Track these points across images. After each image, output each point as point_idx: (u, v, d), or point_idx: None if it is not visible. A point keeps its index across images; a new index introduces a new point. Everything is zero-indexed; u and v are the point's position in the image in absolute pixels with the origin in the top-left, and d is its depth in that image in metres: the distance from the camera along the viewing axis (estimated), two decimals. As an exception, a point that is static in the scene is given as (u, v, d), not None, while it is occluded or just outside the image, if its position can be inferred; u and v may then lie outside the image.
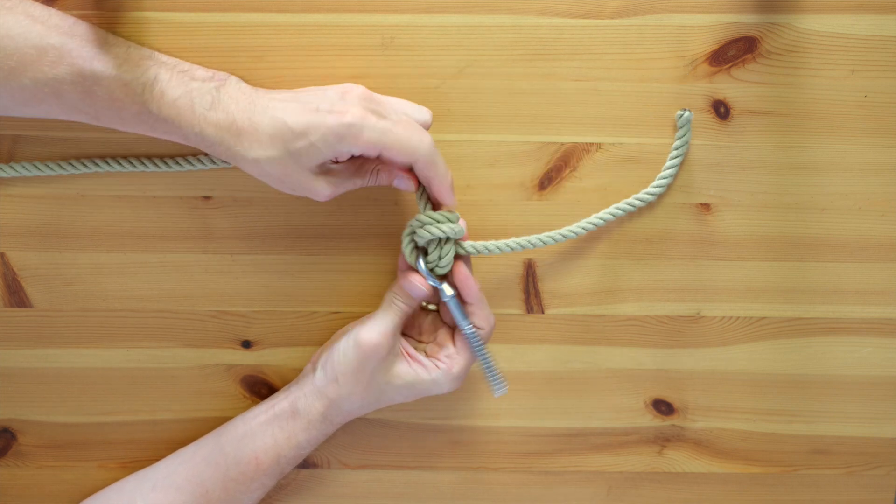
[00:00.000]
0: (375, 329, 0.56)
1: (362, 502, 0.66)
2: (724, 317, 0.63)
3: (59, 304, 0.62)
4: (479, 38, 0.58)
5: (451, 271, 0.57)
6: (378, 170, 0.55)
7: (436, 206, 0.56)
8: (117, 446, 0.64)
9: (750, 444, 0.65)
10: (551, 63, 0.59)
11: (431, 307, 0.61)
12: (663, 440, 0.65)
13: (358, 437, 0.65)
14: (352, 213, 0.61)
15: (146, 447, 0.64)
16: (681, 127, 0.59)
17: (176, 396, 0.64)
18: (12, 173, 0.59)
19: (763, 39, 0.59)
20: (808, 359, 0.64)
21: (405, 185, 0.55)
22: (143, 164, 0.59)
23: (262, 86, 0.56)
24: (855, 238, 0.62)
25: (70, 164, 0.59)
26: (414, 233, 0.56)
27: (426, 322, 0.60)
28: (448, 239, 0.55)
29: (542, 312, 0.63)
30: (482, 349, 0.57)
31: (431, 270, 0.56)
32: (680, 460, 0.66)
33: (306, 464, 0.65)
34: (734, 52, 0.59)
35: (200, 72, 0.54)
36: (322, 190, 0.53)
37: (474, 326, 0.57)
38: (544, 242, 0.59)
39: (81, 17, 0.54)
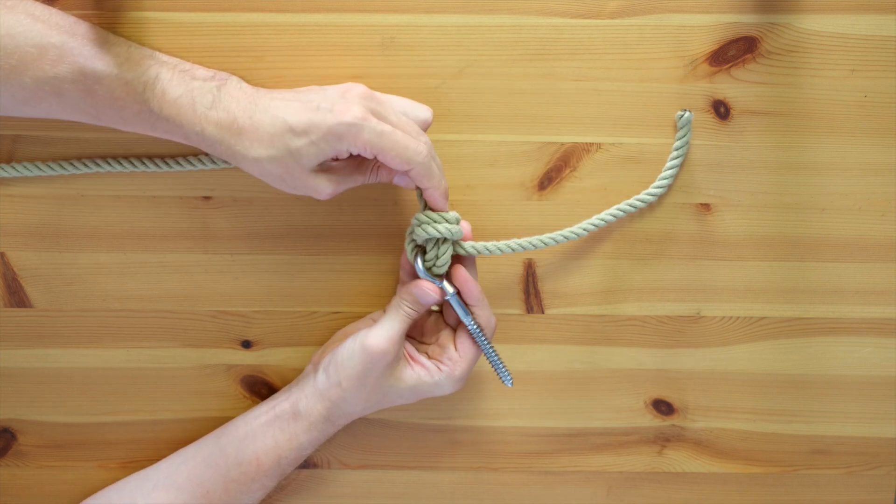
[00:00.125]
0: (383, 335, 0.55)
1: (362, 502, 0.66)
2: (724, 317, 0.63)
3: (59, 304, 0.62)
4: (479, 38, 0.58)
5: (452, 271, 0.57)
6: (378, 167, 0.55)
7: None
8: (117, 446, 0.64)
9: (750, 444, 0.65)
10: (551, 63, 0.59)
11: (434, 308, 0.61)
12: (663, 440, 0.65)
13: (358, 437, 0.65)
14: (352, 213, 0.61)
15: (146, 447, 0.64)
16: (681, 127, 0.59)
17: (176, 396, 0.64)
18: (12, 173, 0.59)
19: (763, 39, 0.59)
20: (808, 359, 0.64)
21: (405, 182, 0.56)
22: (144, 164, 0.59)
23: (263, 86, 0.56)
24: (855, 238, 0.62)
25: (71, 163, 0.59)
26: (413, 231, 0.56)
27: (428, 323, 0.60)
28: (445, 239, 0.56)
29: (542, 312, 0.63)
30: (487, 344, 0.57)
31: (430, 269, 0.56)
32: (680, 460, 0.66)
33: (306, 464, 0.65)
34: (734, 52, 0.59)
35: (201, 71, 0.54)
36: (323, 188, 0.53)
37: (479, 326, 0.57)
38: (545, 243, 0.59)
39: (82, 17, 0.54)
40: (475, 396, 0.64)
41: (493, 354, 0.58)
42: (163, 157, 0.59)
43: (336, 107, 0.51)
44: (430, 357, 0.58)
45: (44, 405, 0.63)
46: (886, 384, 0.64)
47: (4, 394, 0.63)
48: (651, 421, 0.65)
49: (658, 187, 0.60)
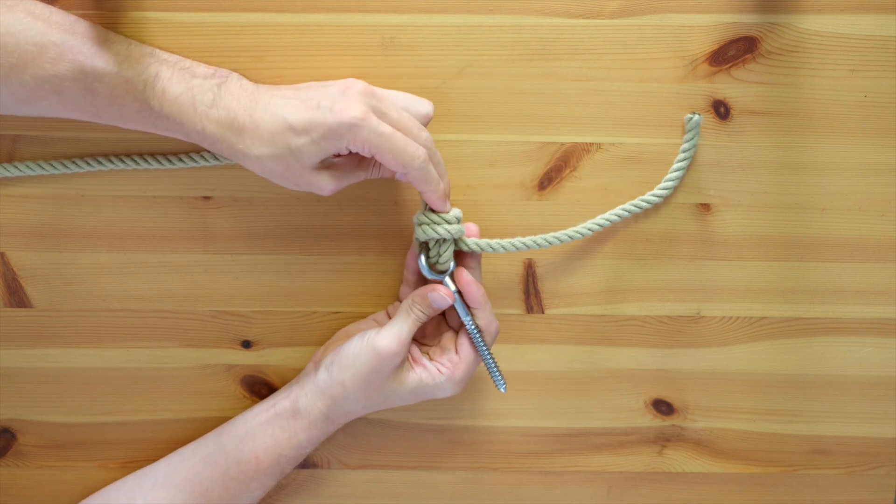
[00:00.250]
0: (394, 337, 0.55)
1: (362, 502, 0.66)
2: (724, 317, 0.63)
3: (59, 304, 0.62)
4: (479, 38, 0.58)
5: (455, 273, 0.57)
6: (379, 163, 0.55)
7: None
8: (117, 446, 0.64)
9: (750, 444, 0.65)
10: (551, 63, 0.59)
11: None
12: (663, 440, 0.65)
13: (358, 437, 0.65)
14: (352, 213, 0.61)
15: (146, 447, 0.64)
16: (689, 130, 0.59)
17: (176, 396, 0.64)
18: (13, 173, 0.59)
19: (763, 39, 0.59)
20: (808, 359, 0.64)
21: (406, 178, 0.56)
22: (146, 161, 0.59)
23: (263, 86, 0.56)
24: (855, 238, 0.62)
25: (74, 162, 0.59)
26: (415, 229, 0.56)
27: (430, 325, 0.60)
28: (445, 240, 0.56)
29: (542, 312, 0.63)
30: (484, 347, 0.57)
31: (433, 266, 0.56)
32: (680, 460, 0.66)
33: (306, 464, 0.65)
34: (734, 52, 0.59)
35: (202, 69, 0.54)
36: (325, 184, 0.53)
37: (478, 328, 0.57)
38: (549, 243, 0.59)
39: (82, 16, 0.54)
40: (475, 396, 0.64)
41: (489, 358, 0.58)
42: (164, 154, 0.59)
43: (336, 105, 0.51)
44: (431, 359, 0.58)
45: (44, 405, 0.63)
46: (886, 384, 0.64)
47: (4, 394, 0.63)
48: (651, 421, 0.65)
49: (664, 189, 0.60)
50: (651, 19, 0.58)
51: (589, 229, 0.60)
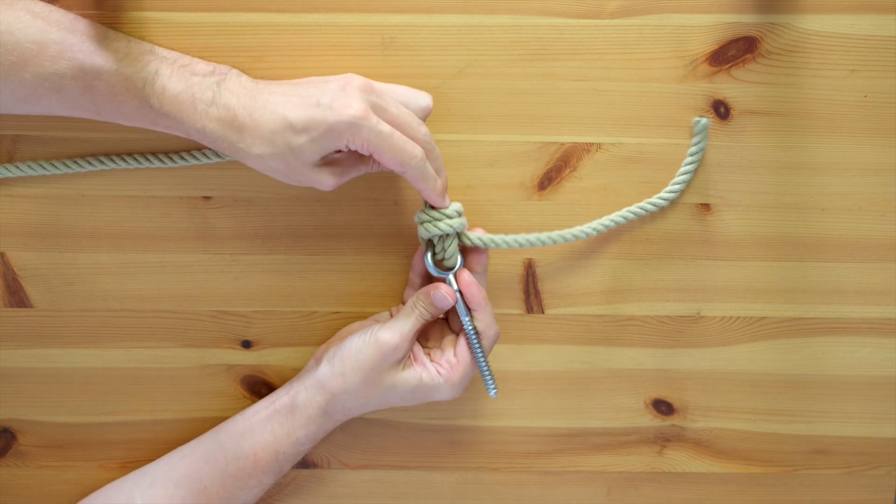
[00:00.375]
0: (397, 331, 0.56)
1: (362, 502, 0.66)
2: (724, 317, 0.63)
3: (59, 304, 0.62)
4: (479, 38, 0.58)
5: (458, 274, 0.57)
6: None
7: None
8: (117, 446, 0.64)
9: (750, 444, 0.65)
10: (551, 63, 0.59)
11: (442, 315, 0.61)
12: (663, 440, 0.65)
13: (358, 437, 0.65)
14: (352, 213, 0.61)
15: (146, 447, 0.64)
16: (697, 133, 0.59)
17: (176, 396, 0.64)
18: (13, 173, 0.59)
19: (763, 39, 0.59)
20: (808, 359, 0.64)
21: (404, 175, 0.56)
22: (147, 160, 0.59)
23: (263, 86, 0.56)
24: (855, 238, 0.62)
25: (75, 162, 0.58)
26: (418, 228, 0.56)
27: (435, 327, 0.60)
28: (448, 235, 0.56)
29: (542, 312, 0.63)
30: (478, 349, 0.57)
31: (439, 263, 0.56)
32: (680, 460, 0.66)
33: (306, 464, 0.65)
34: (734, 52, 0.59)
35: (201, 66, 0.54)
36: (326, 180, 0.53)
37: (475, 330, 0.57)
38: (554, 241, 0.59)
39: (82, 16, 0.54)
40: (475, 397, 0.64)
41: (482, 362, 0.58)
42: (166, 153, 0.59)
43: (336, 102, 0.51)
44: (431, 360, 0.58)
45: (44, 405, 0.63)
46: (886, 384, 0.64)
47: (4, 394, 0.63)
48: (651, 421, 0.65)
49: (671, 192, 0.60)
50: (651, 19, 0.58)
51: (594, 229, 0.60)
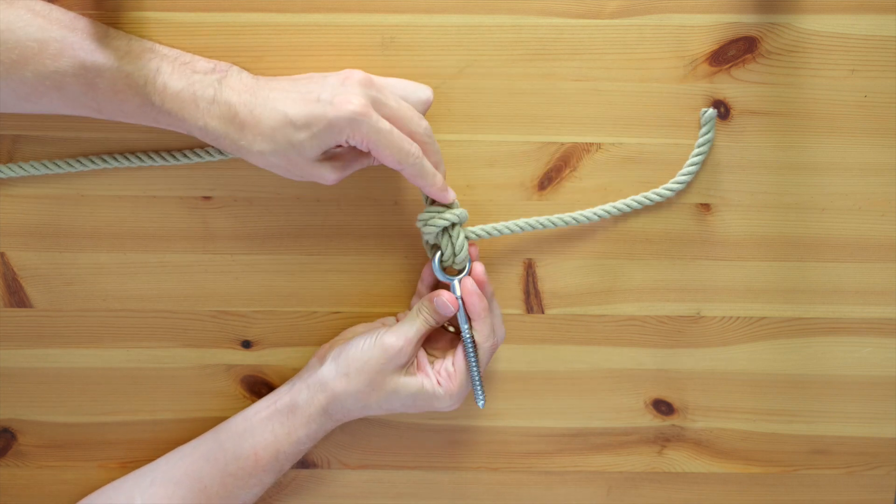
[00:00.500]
0: (402, 335, 0.56)
1: (362, 502, 0.66)
2: (724, 317, 0.63)
3: (59, 304, 0.62)
4: (479, 38, 0.58)
5: (463, 280, 0.57)
6: None
7: None
8: (117, 446, 0.64)
9: (750, 444, 0.65)
10: (551, 63, 0.59)
11: (451, 329, 0.61)
12: (663, 440, 0.65)
13: (358, 437, 0.65)
14: (352, 213, 0.61)
15: (146, 447, 0.64)
16: (704, 124, 0.59)
17: (176, 396, 0.64)
18: (14, 173, 0.59)
19: (763, 39, 0.59)
20: (808, 359, 0.64)
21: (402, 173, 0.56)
22: (150, 158, 0.59)
23: (263, 86, 0.56)
24: (855, 238, 0.62)
25: (78, 161, 0.58)
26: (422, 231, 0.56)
27: (443, 337, 0.61)
28: (454, 226, 0.56)
29: (542, 312, 0.63)
30: (473, 358, 0.57)
31: (451, 265, 0.57)
32: (680, 460, 0.66)
33: (306, 464, 0.65)
34: (734, 52, 0.59)
35: (202, 63, 0.54)
36: (328, 175, 0.54)
37: (472, 340, 0.57)
38: (554, 224, 0.59)
39: (81, 15, 0.54)
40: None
41: (475, 371, 0.58)
42: (168, 151, 0.59)
43: (336, 98, 0.51)
44: (434, 369, 0.58)
45: (44, 405, 0.63)
46: (886, 384, 0.64)
47: (4, 394, 0.63)
48: (651, 421, 0.65)
49: (678, 183, 0.60)
50: (651, 19, 0.58)
51: (596, 214, 0.60)
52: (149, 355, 0.63)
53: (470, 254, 0.57)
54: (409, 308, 0.62)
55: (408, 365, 0.57)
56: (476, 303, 0.56)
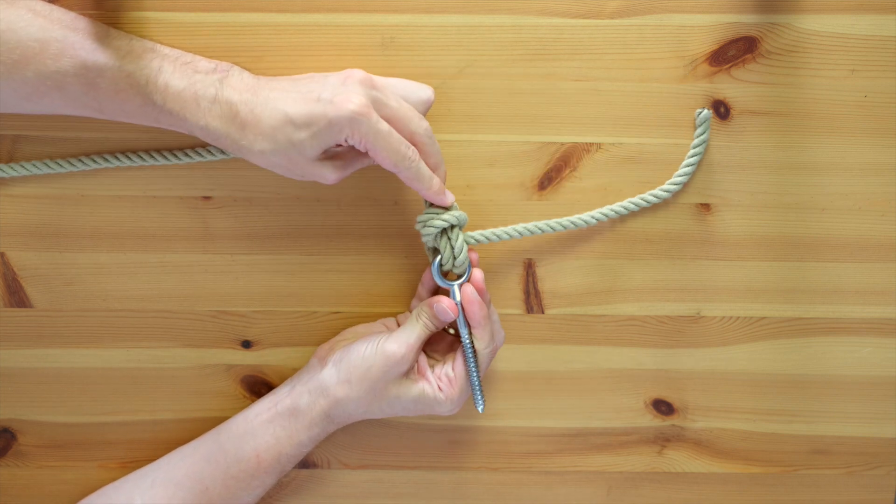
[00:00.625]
0: (402, 342, 0.56)
1: (362, 502, 0.66)
2: (724, 317, 0.63)
3: (59, 304, 0.62)
4: (479, 38, 0.58)
5: (463, 286, 0.56)
6: None
7: None
8: (117, 446, 0.64)
9: (750, 444, 0.65)
10: (551, 63, 0.59)
11: (451, 331, 0.61)
12: (663, 440, 0.65)
13: (358, 437, 0.65)
14: (352, 213, 0.61)
15: (146, 447, 0.64)
16: (700, 125, 0.59)
17: (176, 396, 0.64)
18: (14, 173, 0.59)
19: (763, 39, 0.59)
20: (808, 359, 0.64)
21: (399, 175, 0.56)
22: (151, 157, 0.59)
23: (263, 86, 0.56)
24: (855, 238, 0.62)
25: (78, 160, 0.58)
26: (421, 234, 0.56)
27: (444, 341, 0.60)
28: (453, 228, 0.56)
29: (542, 312, 0.63)
30: (472, 364, 0.57)
31: (451, 270, 0.56)
32: (680, 460, 0.66)
33: (306, 464, 0.65)
34: (734, 52, 0.59)
35: (203, 63, 0.54)
36: (329, 174, 0.54)
37: (472, 346, 0.57)
38: (553, 228, 0.59)
39: (82, 15, 0.54)
40: (475, 396, 0.64)
41: (475, 377, 0.58)
42: (169, 150, 0.59)
43: (336, 97, 0.51)
44: (434, 374, 0.58)
45: (44, 405, 0.63)
46: (886, 384, 0.64)
47: (4, 394, 0.63)
48: (651, 421, 0.65)
49: (674, 184, 0.60)
50: (651, 19, 0.58)
51: (594, 218, 0.60)
52: (149, 355, 0.63)
53: (470, 259, 0.57)
54: (409, 309, 0.62)
55: (410, 371, 0.57)
56: (476, 311, 0.56)
